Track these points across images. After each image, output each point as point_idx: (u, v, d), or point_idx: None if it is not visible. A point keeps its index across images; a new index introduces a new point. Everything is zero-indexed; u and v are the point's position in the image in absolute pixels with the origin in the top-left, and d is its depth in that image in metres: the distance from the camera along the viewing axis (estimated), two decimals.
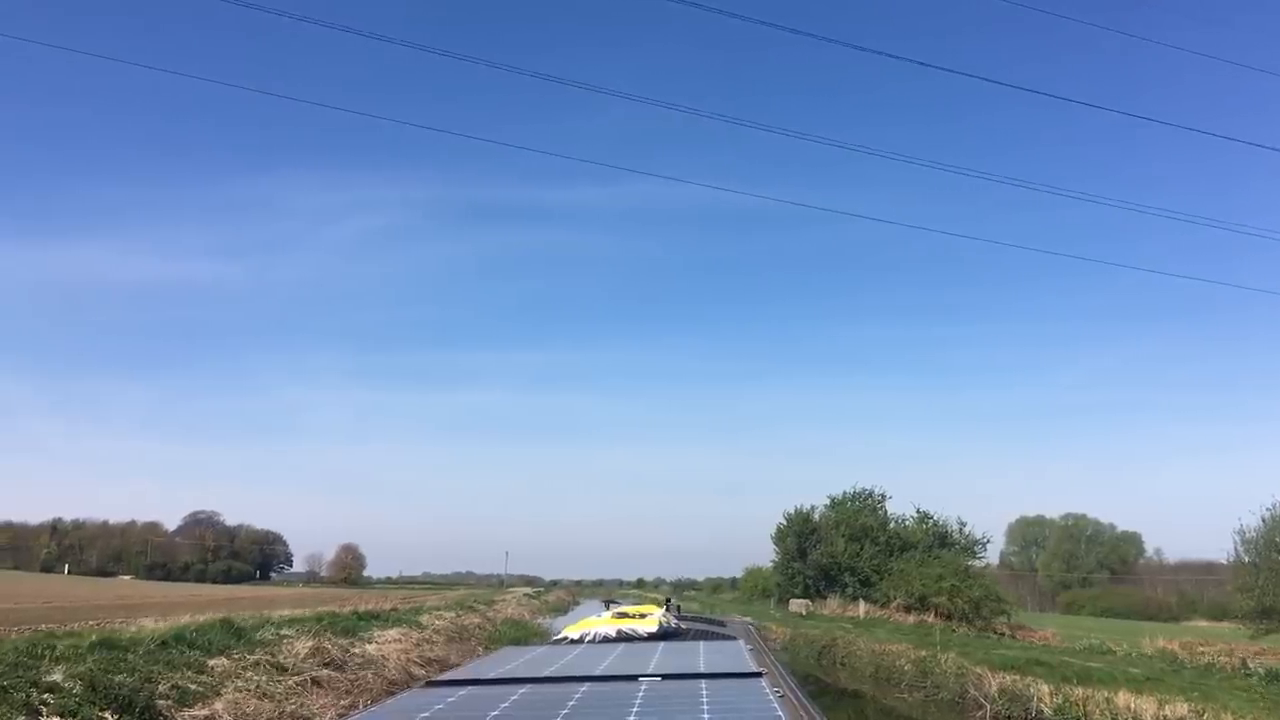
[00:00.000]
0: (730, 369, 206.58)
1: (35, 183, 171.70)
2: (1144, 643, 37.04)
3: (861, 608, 45.48)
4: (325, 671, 17.27)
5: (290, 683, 15.32)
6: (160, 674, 13.22)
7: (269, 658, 16.43)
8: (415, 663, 22.25)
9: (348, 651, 19.68)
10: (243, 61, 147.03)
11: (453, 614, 35.50)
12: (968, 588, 42.47)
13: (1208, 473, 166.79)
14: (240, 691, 14.00)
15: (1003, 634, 39.73)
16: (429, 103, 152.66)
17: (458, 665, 18.20)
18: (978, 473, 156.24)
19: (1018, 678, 17.42)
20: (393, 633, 24.72)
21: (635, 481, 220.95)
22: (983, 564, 53.18)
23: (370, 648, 21.42)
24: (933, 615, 41.75)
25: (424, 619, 30.34)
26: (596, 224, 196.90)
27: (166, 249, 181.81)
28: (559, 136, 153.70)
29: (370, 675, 18.37)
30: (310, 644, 18.10)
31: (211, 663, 14.89)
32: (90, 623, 24.90)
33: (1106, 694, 15.00)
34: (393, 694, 13.68)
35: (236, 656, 15.83)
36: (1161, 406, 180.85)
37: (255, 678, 14.84)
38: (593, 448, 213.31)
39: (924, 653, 23.05)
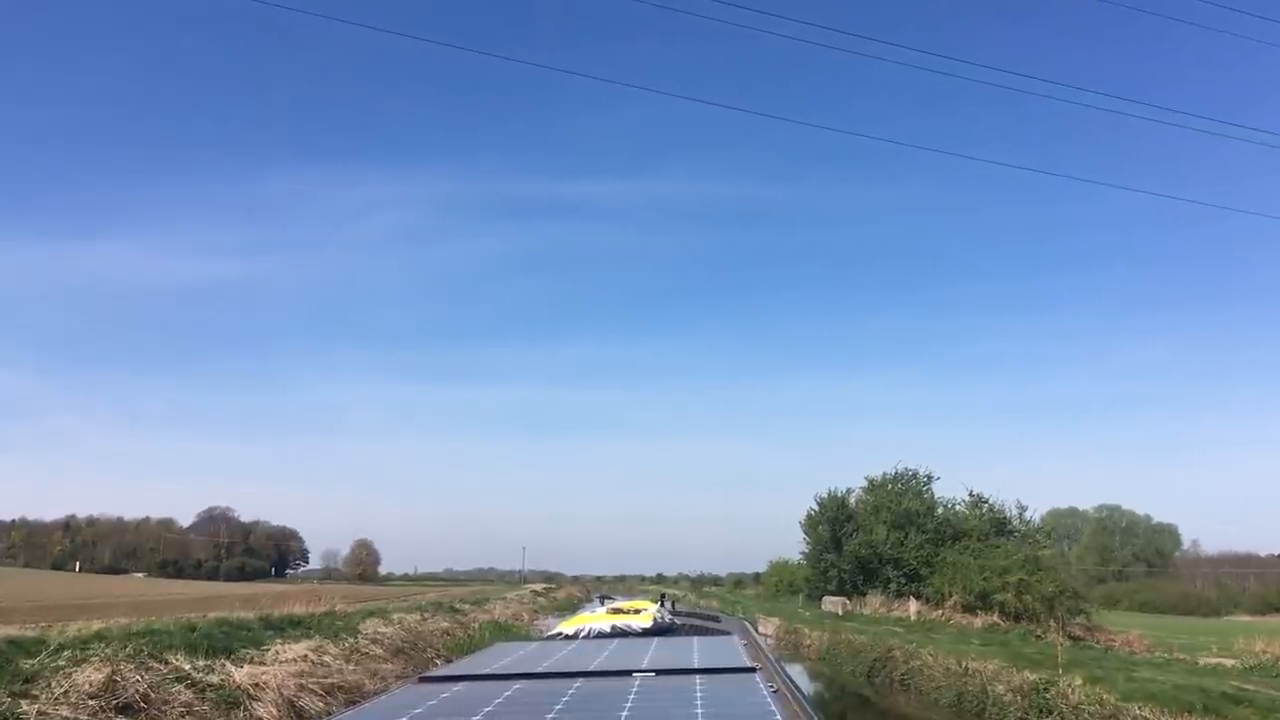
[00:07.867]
0: (748, 363, 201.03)
1: (54, 181, 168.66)
2: (1237, 644, 31.69)
3: (912, 607, 38.58)
4: None
5: None
6: None
7: (11, 700, 10.03)
8: (313, 691, 15.88)
9: (186, 681, 13.27)
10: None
11: (417, 617, 29.14)
12: (1039, 582, 35.71)
13: (1244, 463, 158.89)
14: None
15: (1098, 643, 32.86)
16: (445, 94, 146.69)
17: (379, 693, 13.12)
18: (1008, 464, 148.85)
19: None
20: (299, 647, 18.30)
21: (657, 477, 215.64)
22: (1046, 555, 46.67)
23: (242, 671, 15.01)
24: (996, 615, 35.17)
25: (366, 624, 23.94)
26: (617, 218, 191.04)
27: (184, 247, 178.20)
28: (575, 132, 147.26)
29: None
30: (102, 675, 11.69)
31: None
32: None
33: None
34: None
35: None
36: (1195, 398, 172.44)
37: None
38: (613, 443, 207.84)
39: (1033, 675, 16.25)
